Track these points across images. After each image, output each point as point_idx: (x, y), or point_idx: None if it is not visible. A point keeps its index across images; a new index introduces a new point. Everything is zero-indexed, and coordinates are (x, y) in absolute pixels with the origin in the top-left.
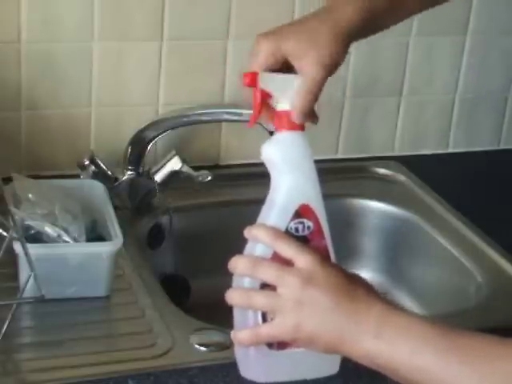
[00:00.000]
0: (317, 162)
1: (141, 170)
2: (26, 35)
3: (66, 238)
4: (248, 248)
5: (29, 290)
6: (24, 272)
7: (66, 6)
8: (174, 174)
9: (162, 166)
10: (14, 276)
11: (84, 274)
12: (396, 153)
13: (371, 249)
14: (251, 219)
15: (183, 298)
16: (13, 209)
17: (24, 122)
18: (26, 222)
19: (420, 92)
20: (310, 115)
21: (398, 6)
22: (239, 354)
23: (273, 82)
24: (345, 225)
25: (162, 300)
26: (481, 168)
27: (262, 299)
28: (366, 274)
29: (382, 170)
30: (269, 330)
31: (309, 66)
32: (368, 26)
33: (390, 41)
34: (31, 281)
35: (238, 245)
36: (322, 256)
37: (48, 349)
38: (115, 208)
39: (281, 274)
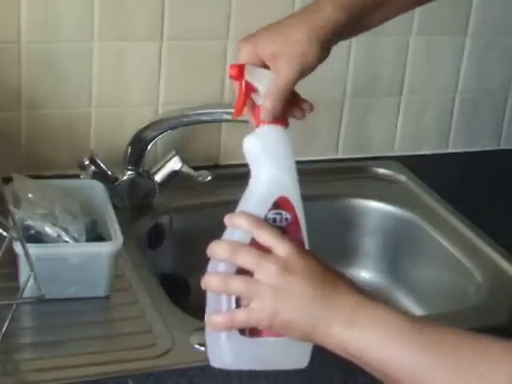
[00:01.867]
0: (317, 162)
1: (141, 170)
2: (26, 35)
3: (66, 238)
4: (226, 235)
5: (29, 289)
6: (24, 272)
7: (66, 6)
8: (173, 174)
9: (162, 166)
10: (14, 276)
11: (84, 274)
12: (396, 153)
13: (371, 249)
14: None
15: (183, 298)
16: (13, 209)
17: (24, 122)
18: (26, 222)
19: (420, 92)
20: (279, 116)
21: (385, 4)
22: (210, 339)
23: (258, 76)
24: (345, 225)
25: (162, 300)
26: (481, 168)
27: (240, 285)
28: (366, 273)
29: (381, 170)
30: (245, 316)
31: (282, 65)
32: (352, 24)
33: (389, 40)
34: (31, 281)
35: None
36: (301, 245)
37: (48, 349)
38: (115, 208)
39: (260, 260)
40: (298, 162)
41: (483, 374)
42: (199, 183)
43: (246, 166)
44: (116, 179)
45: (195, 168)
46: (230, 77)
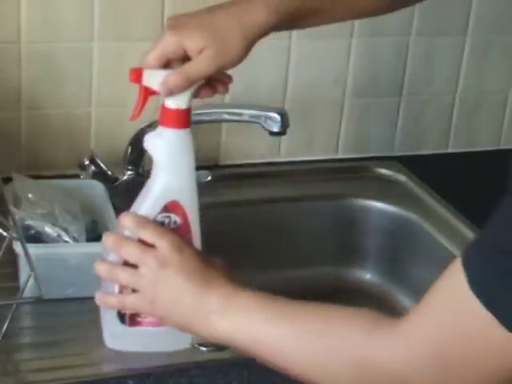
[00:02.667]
0: (317, 162)
1: (141, 170)
2: (25, 35)
3: (66, 238)
4: (119, 229)
5: (29, 289)
6: (24, 272)
7: (66, 6)
8: None
9: None
10: (14, 276)
11: (84, 274)
12: (396, 153)
13: (371, 249)
14: (251, 219)
15: None
16: (13, 209)
17: (24, 122)
18: (26, 222)
19: (420, 92)
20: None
21: (318, 12)
22: (101, 320)
23: (157, 79)
24: (345, 225)
25: None
26: (481, 168)
27: (125, 276)
28: (366, 273)
29: (382, 170)
30: (132, 301)
31: (203, 59)
32: (282, 27)
33: (389, 40)
34: (31, 281)
35: (237, 244)
36: (182, 241)
37: (48, 349)
38: (115, 208)
39: (142, 255)
40: (298, 162)
41: (334, 338)
42: (199, 183)
43: (245, 166)
44: (116, 179)
45: (195, 168)
46: (130, 81)
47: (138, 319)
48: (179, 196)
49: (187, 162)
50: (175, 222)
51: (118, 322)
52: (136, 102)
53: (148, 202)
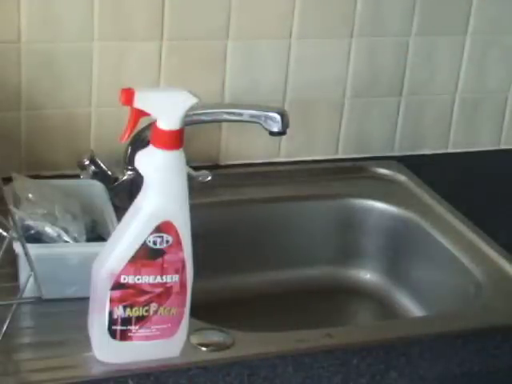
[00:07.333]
0: (317, 162)
1: None
2: (26, 35)
3: (66, 238)
4: None
5: (29, 289)
6: (24, 272)
7: (66, 6)
8: None
9: None
10: (14, 276)
11: (84, 274)
12: (396, 153)
13: (371, 249)
14: (251, 219)
15: None
16: (13, 209)
17: (24, 122)
18: (26, 222)
19: (420, 92)
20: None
21: None
22: (90, 333)
23: (150, 102)
24: (345, 225)
25: None
26: (481, 168)
27: None
28: (366, 273)
29: (381, 170)
30: None
31: None
32: None
33: (389, 41)
34: (31, 281)
35: (237, 244)
36: None
37: (48, 349)
38: (115, 208)
39: None
40: (299, 162)
41: None
42: (199, 183)
43: (245, 166)
44: (116, 179)
45: (195, 168)
46: (121, 103)
47: (129, 334)
48: (171, 216)
49: (179, 182)
50: (167, 242)
51: (108, 336)
52: (126, 123)
53: (139, 222)
